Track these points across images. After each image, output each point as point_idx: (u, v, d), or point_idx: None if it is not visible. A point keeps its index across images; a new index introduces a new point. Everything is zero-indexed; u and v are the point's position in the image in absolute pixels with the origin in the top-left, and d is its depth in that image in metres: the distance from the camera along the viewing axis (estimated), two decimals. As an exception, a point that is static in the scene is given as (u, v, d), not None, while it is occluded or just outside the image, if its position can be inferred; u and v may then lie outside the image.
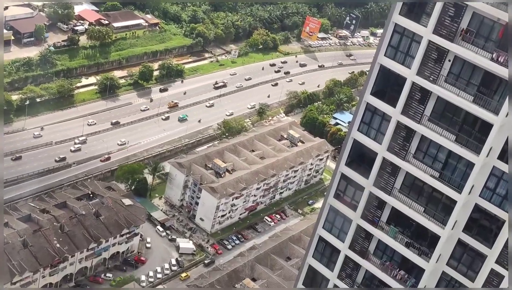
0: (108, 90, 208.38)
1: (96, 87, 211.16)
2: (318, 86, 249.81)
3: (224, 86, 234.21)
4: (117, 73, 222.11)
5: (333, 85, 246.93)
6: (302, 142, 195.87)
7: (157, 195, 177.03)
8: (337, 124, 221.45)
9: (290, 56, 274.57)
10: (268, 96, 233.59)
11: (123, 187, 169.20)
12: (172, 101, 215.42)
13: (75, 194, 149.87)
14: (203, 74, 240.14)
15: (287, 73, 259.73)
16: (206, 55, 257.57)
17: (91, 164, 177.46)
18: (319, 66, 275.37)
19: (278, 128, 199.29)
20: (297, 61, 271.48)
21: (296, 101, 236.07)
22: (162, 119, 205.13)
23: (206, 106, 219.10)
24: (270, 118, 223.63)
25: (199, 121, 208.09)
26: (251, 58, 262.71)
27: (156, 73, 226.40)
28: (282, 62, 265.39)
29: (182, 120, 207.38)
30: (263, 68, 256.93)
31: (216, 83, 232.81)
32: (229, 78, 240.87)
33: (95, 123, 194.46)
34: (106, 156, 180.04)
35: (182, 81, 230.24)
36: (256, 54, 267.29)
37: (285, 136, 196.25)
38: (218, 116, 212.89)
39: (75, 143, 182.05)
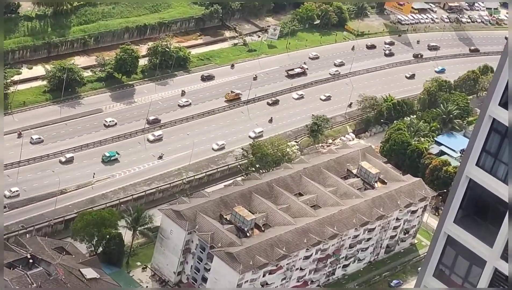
0: (64, 88, 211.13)
1: (45, 82, 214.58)
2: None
3: (304, 73, 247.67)
4: (80, 61, 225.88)
5: (437, 88, 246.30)
6: (383, 182, 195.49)
7: (139, 263, 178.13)
8: (442, 153, 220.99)
9: (366, 38, 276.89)
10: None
11: (84, 249, 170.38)
12: (232, 92, 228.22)
13: (5, 259, 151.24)
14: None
15: (417, 56, 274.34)
16: (227, 34, 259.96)
17: (34, 208, 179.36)
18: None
19: (342, 157, 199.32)
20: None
21: (373, 114, 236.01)
22: (60, 162, 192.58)
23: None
24: (330, 140, 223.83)
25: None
26: (301, 41, 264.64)
27: (143, 62, 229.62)
28: (386, 43, 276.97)
29: (107, 161, 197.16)
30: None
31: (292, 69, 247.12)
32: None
33: (116, 123, 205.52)
34: None
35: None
36: (309, 34, 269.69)
37: (354, 171, 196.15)
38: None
39: None
